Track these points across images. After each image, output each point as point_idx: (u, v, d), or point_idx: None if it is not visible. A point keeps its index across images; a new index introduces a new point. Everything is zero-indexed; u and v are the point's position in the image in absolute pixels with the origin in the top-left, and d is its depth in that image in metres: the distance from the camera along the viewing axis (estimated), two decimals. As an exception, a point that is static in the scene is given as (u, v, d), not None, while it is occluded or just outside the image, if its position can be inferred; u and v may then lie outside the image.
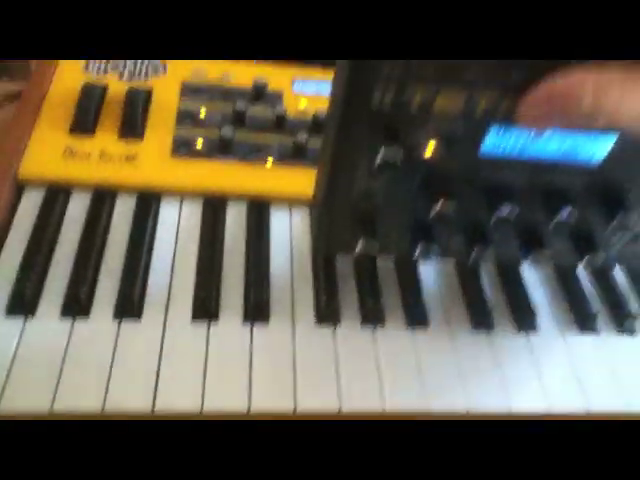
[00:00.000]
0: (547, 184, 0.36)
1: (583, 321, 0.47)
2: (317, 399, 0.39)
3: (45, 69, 0.54)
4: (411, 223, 0.39)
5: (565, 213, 0.36)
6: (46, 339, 0.39)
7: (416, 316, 0.44)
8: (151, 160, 0.48)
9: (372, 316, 0.44)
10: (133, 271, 0.42)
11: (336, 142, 0.33)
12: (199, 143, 0.49)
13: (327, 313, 0.43)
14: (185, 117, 0.51)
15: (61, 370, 0.37)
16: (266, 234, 0.47)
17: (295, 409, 0.38)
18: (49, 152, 0.47)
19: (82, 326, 0.40)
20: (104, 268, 0.43)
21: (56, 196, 0.46)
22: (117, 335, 0.40)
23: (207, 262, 0.44)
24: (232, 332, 0.41)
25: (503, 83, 0.30)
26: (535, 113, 0.29)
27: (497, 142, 0.33)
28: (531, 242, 0.40)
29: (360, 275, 0.46)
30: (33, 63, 0.58)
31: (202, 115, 0.52)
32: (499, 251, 0.40)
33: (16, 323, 0.39)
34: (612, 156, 0.34)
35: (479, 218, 0.37)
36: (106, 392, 0.37)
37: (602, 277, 0.51)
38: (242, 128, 0.51)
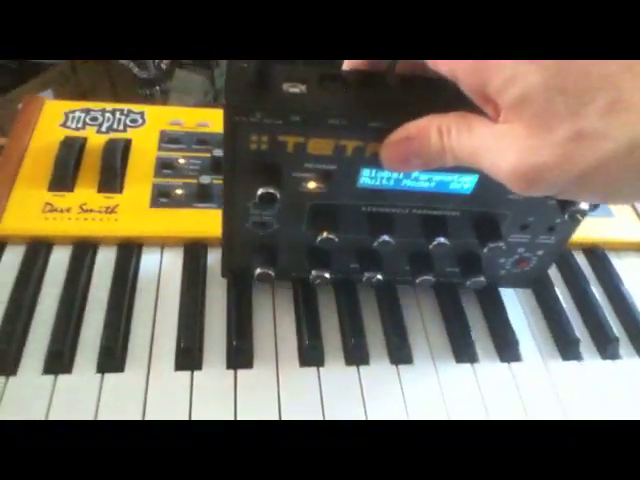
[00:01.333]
0: (425, 212, 0.39)
1: (566, 348, 0.48)
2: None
3: (25, 124, 0.55)
4: (302, 250, 0.42)
5: (443, 238, 0.39)
6: (29, 395, 0.39)
7: (401, 356, 0.45)
8: (131, 211, 0.48)
9: (356, 356, 0.44)
10: (115, 323, 0.42)
11: (225, 179, 0.37)
12: (178, 192, 0.50)
13: (311, 355, 0.43)
14: (164, 166, 0.52)
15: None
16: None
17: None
18: (29, 208, 0.48)
19: (65, 381, 0.40)
20: (86, 321, 0.43)
21: (37, 251, 0.46)
22: (100, 389, 0.40)
23: (189, 311, 0.44)
24: (216, 380, 0.41)
25: (363, 132, 0.33)
26: (393, 157, 0.32)
27: (372, 176, 0.36)
28: (416, 265, 0.43)
29: (342, 312, 0.46)
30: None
31: (180, 163, 0.53)
32: (389, 274, 0.43)
33: (-1, 381, 0.39)
34: (480, 187, 0.37)
35: (364, 243, 0.40)
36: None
37: (583, 301, 0.51)
38: (220, 174, 0.52)
